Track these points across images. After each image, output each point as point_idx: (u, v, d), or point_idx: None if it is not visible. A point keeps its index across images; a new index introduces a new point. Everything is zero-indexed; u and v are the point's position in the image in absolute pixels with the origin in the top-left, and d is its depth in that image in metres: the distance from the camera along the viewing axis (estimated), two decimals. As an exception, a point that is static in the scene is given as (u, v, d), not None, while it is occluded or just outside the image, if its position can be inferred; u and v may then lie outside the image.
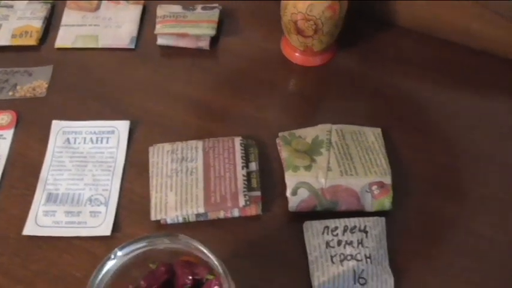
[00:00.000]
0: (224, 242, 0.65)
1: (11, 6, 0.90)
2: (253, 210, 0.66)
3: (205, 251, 0.48)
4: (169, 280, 0.52)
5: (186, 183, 0.68)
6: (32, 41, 0.86)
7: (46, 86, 0.81)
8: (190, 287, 0.51)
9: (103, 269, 0.48)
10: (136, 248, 0.50)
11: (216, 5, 0.88)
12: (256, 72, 0.83)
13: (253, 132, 0.74)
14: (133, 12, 0.89)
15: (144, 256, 0.51)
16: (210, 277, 0.51)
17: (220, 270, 0.47)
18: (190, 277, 0.51)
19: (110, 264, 0.49)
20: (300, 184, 0.66)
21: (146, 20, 0.88)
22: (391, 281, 0.61)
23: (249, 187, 0.67)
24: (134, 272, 0.52)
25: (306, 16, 0.73)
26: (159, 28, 0.84)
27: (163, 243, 0.50)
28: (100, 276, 0.48)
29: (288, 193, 0.66)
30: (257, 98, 0.79)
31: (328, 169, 0.66)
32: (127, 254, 0.49)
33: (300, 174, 0.66)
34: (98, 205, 0.68)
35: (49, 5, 0.90)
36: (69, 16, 0.89)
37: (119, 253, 0.49)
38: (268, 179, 0.70)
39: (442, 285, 0.63)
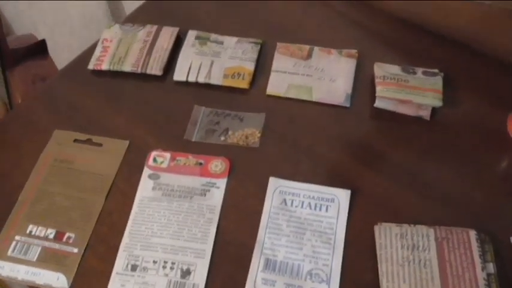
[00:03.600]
0: None
1: (221, 43, 0.89)
2: (494, 321, 0.61)
3: None
4: None
5: (420, 276, 0.63)
6: (243, 84, 0.84)
7: (259, 135, 0.78)
8: None
9: None
10: None
11: (437, 70, 0.83)
12: (477, 151, 0.77)
13: (475, 221, 0.68)
14: (347, 66, 0.85)
15: None
16: None
17: None
18: None
19: None
20: (555, 304, 0.59)
21: (358, 76, 0.85)
22: None
23: (490, 294, 0.61)
24: None
25: None
26: (380, 90, 0.80)
27: None
28: None
29: (541, 312, 0.59)
30: (481, 182, 0.74)
31: None
32: None
33: (554, 291, 0.60)
34: (320, 282, 0.65)
35: (259, 46, 0.88)
36: (280, 61, 0.86)
37: None
38: (504, 284, 0.64)
39: None
